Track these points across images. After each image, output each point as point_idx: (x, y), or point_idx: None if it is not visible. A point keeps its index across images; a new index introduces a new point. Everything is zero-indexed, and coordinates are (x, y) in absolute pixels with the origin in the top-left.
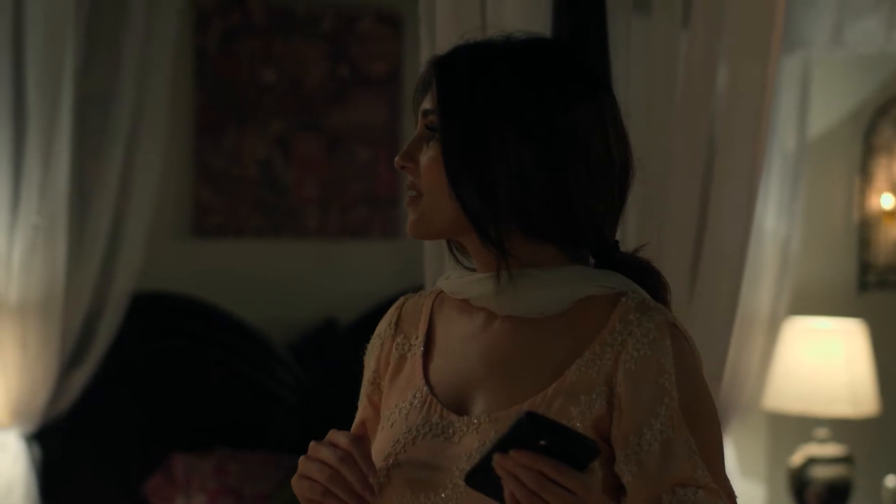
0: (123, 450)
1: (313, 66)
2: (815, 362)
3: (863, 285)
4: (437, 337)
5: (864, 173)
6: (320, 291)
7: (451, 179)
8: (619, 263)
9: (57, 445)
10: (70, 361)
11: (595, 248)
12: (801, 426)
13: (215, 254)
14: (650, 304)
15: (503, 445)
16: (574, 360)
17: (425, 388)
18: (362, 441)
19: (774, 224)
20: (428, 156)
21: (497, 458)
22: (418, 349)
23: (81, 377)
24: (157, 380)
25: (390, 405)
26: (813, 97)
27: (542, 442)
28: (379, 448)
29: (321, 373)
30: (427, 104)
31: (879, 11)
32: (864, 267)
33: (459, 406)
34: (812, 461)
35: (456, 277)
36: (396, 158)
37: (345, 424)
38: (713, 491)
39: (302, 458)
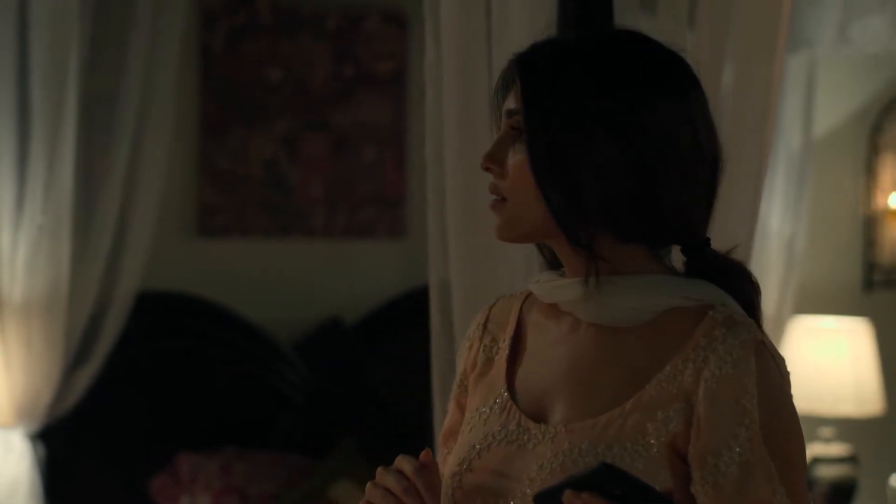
0: (128, 449)
1: (319, 65)
2: (821, 361)
3: (868, 284)
4: (525, 340)
5: (870, 172)
6: (326, 291)
7: (538, 182)
8: (709, 262)
9: (61, 445)
10: (74, 360)
11: (685, 245)
12: (805, 425)
13: (221, 253)
14: (738, 320)
15: (577, 484)
16: (655, 374)
17: (506, 393)
18: (427, 470)
19: (780, 223)
20: (516, 158)
21: (568, 494)
22: (504, 352)
23: (86, 376)
24: (162, 379)
25: (472, 408)
26: (818, 96)
27: (618, 491)
28: (457, 452)
29: (327, 372)
30: (511, 104)
31: (885, 10)
32: (870, 266)
33: (539, 413)
34: (817, 460)
35: (545, 280)
36: (482, 160)
37: (351, 423)
38: None
39: (369, 483)
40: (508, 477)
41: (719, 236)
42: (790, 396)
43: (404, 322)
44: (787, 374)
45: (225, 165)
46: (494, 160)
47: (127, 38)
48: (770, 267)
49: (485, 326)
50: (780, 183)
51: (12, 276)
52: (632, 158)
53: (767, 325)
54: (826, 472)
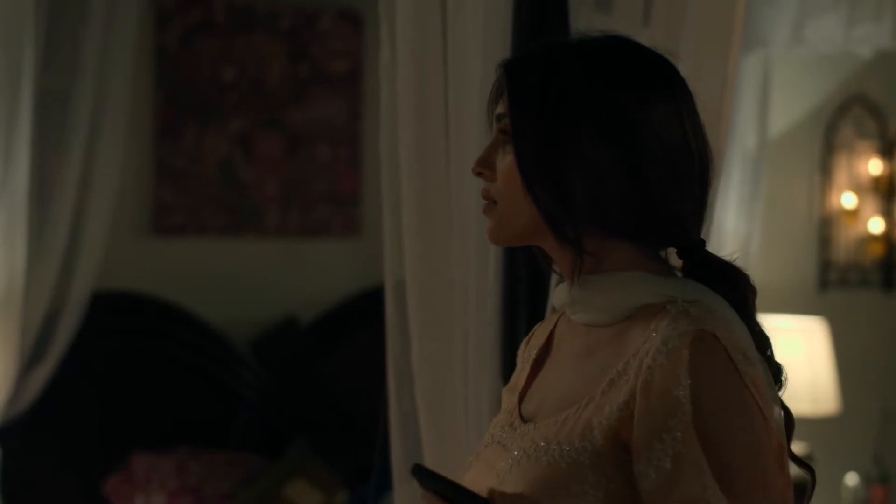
0: (84, 448)
1: (274, 63)
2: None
3: (823, 284)
4: (552, 347)
5: (825, 172)
6: (281, 290)
7: (525, 181)
8: (704, 264)
9: (16, 444)
10: (30, 359)
11: (680, 246)
12: None
13: (176, 252)
14: (691, 313)
15: (423, 484)
16: (615, 370)
17: (516, 397)
18: None
19: (735, 222)
20: (505, 161)
21: (421, 491)
22: (530, 360)
23: (41, 375)
24: (118, 378)
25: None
26: (773, 96)
27: (450, 494)
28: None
29: (282, 371)
30: (500, 108)
31: (839, 10)
32: (825, 265)
33: (535, 415)
34: None
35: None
36: (473, 165)
37: (305, 423)
38: None
39: None
40: (489, 474)
41: None
42: (740, 392)
43: (359, 321)
44: (751, 370)
45: (179, 164)
46: (485, 164)
47: (81, 38)
48: None
49: (528, 342)
50: (735, 182)
51: None
52: (620, 157)
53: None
54: None
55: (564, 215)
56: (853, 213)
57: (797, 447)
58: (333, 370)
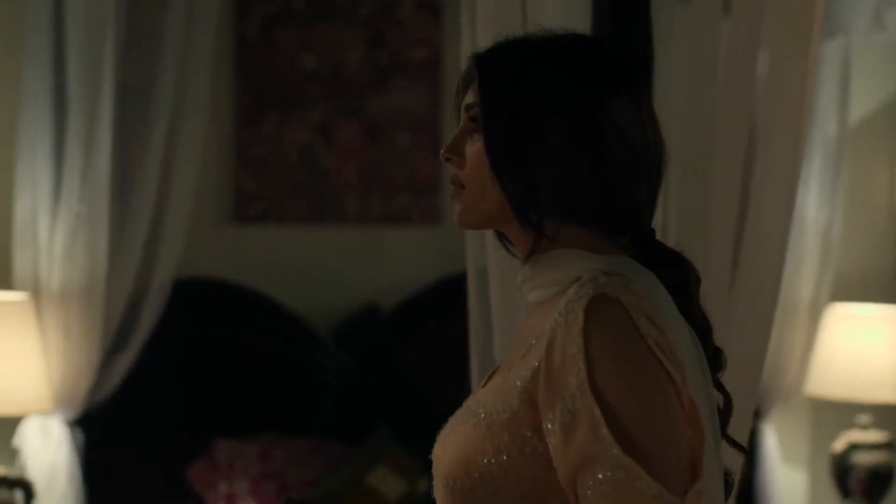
0: (166, 435)
1: (353, 52)
2: (858, 348)
3: None
4: None
5: None
6: (362, 278)
7: (493, 168)
8: (653, 251)
9: (100, 431)
10: (112, 347)
11: (633, 236)
12: (843, 412)
13: (257, 240)
14: (599, 280)
15: None
16: (534, 336)
17: (488, 374)
18: None
19: (816, 211)
20: (475, 148)
21: None
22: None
23: (124, 363)
24: (200, 366)
25: None
26: (853, 83)
27: None
28: None
29: (364, 359)
30: (469, 98)
31: None
32: None
33: None
34: (854, 447)
35: None
36: (441, 151)
37: (387, 410)
38: (618, 468)
39: None
40: (439, 440)
41: (755, 225)
42: (642, 352)
43: (440, 309)
44: (656, 333)
45: (260, 152)
46: (454, 151)
47: (162, 29)
48: (806, 255)
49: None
50: (815, 170)
51: (50, 264)
52: (586, 151)
53: (804, 313)
54: (863, 459)
55: (530, 202)
56: None
57: (881, 435)
58: (414, 358)
